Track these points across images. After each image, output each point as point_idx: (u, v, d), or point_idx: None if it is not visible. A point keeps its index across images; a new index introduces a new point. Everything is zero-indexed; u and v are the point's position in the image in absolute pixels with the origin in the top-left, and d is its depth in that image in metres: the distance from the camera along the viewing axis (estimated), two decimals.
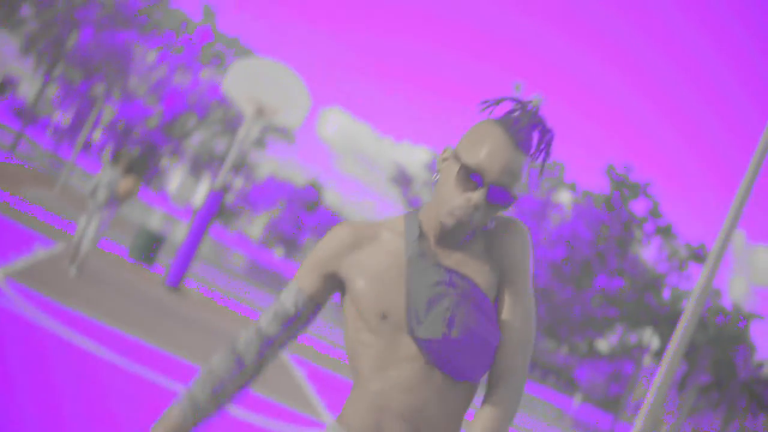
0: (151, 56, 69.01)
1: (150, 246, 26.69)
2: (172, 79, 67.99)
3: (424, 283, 2.82)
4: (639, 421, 33.22)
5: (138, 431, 8.44)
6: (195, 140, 70.45)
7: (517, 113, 2.84)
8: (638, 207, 74.16)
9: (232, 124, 68.06)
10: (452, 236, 2.89)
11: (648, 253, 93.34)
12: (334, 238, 2.95)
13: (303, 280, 2.98)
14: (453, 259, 2.90)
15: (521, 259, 2.94)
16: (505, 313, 2.90)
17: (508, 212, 61.88)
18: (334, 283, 2.99)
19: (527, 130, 2.78)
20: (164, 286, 23.60)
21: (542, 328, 64.69)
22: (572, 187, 66.24)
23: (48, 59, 68.59)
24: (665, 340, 65.34)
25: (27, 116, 65.49)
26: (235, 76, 25.57)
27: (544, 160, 2.80)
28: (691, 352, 66.96)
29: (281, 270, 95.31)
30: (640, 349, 68.69)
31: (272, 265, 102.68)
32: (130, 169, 16.73)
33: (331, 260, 2.95)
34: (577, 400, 61.29)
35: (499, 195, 2.76)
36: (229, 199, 74.63)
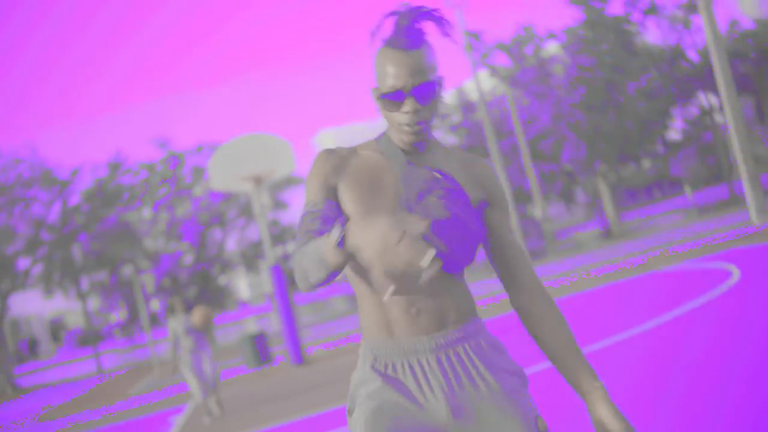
0: (147, 212, 69.79)
1: (258, 346, 27.14)
2: (175, 216, 68.75)
3: (414, 179, 3.11)
4: (741, 168, 32.83)
5: None
6: (232, 246, 71.00)
7: (393, 26, 3.13)
8: (615, 7, 73.74)
9: (249, 209, 68.59)
10: (417, 147, 3.22)
11: (652, 36, 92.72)
12: (320, 160, 3.22)
13: (316, 193, 3.19)
14: (427, 163, 3.24)
15: (503, 192, 3.31)
16: (503, 235, 3.29)
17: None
18: (331, 194, 3.22)
19: (407, 30, 3.09)
20: (292, 366, 24.02)
21: (613, 160, 64.36)
22: (552, 36, 65.91)
23: (71, 283, 69.54)
24: (719, 92, 64.80)
25: (91, 338, 66.31)
26: (216, 171, 26.11)
27: (445, 29, 3.10)
28: (744, 84, 66.51)
29: None
30: (705, 113, 68.27)
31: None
32: (186, 306, 16.80)
33: (327, 178, 3.20)
34: (688, 191, 61.02)
35: (424, 91, 3.09)
36: (291, 265, 75.24)
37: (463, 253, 3.06)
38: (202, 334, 16.56)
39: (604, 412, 3.11)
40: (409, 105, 3.08)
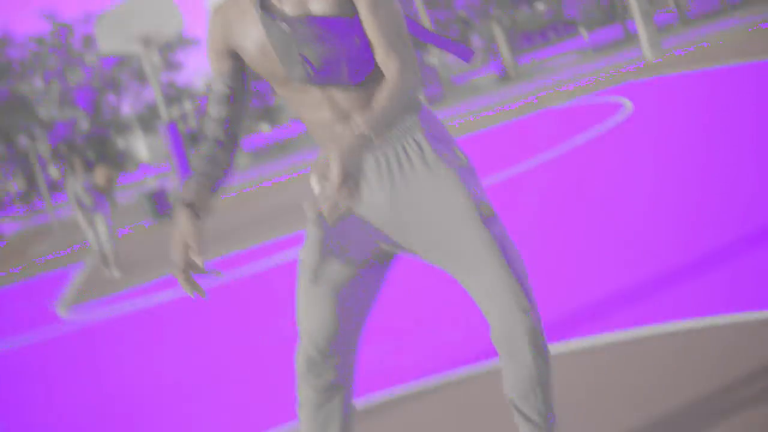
0: (38, 82, 68.56)
1: (156, 202, 27.08)
2: (68, 84, 67.64)
3: (276, 39, 3.02)
4: (636, 5, 32.83)
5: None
6: (127, 110, 70.21)
7: None
8: None
9: (142, 72, 67.63)
10: None
11: None
12: (210, 25, 3.14)
13: (214, 66, 3.15)
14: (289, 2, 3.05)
15: None
16: (367, 20, 3.04)
17: None
18: (232, 56, 3.16)
19: None
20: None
21: (506, 4, 64.29)
22: None
23: None
24: None
25: None
26: (103, 34, 25.67)
27: None
28: None
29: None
30: None
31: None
32: (86, 165, 16.45)
33: (218, 46, 3.13)
34: (583, 33, 61.20)
35: None
36: (190, 123, 74.63)
37: (353, 69, 3.04)
38: (101, 195, 16.28)
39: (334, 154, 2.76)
40: None
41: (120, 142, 69.87)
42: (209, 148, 3.13)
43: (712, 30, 36.59)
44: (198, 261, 2.93)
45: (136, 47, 25.65)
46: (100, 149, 67.95)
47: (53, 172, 70.54)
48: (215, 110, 3.12)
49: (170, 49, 68.33)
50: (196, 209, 2.98)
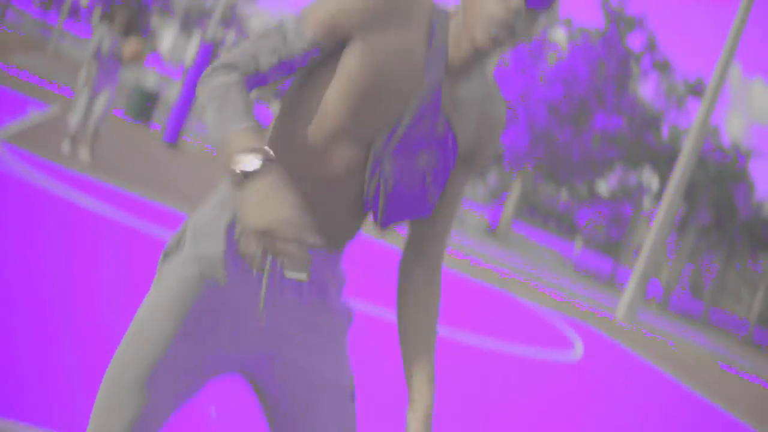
0: None
1: (145, 104, 26.51)
2: None
3: (425, 123, 2.51)
4: (640, 264, 33.24)
5: (138, 283, 8.39)
6: None
7: None
8: (634, 42, 73.61)
9: None
10: (473, 61, 2.50)
11: (646, 90, 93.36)
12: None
13: (319, 26, 2.45)
14: (453, 103, 2.57)
15: (491, 151, 2.70)
16: (454, 194, 2.69)
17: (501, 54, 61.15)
18: (341, 40, 2.48)
19: None
20: (162, 142, 23.49)
21: (542, 172, 64.80)
22: (567, 23, 65.56)
23: None
24: (664, 180, 65.42)
25: None
26: None
27: None
28: (690, 192, 67.17)
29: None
30: (640, 190, 68.86)
31: (266, 117, 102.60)
32: (130, 28, 15.21)
33: (355, 16, 2.44)
34: (578, 244, 61.73)
35: None
36: (222, 53, 74.25)
37: (396, 221, 2.62)
38: (119, 64, 15.15)
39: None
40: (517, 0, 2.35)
41: (154, 20, 69.21)
42: (248, 96, 2.40)
43: (688, 336, 36.83)
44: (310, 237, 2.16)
45: None
46: (134, 12, 67.22)
47: (85, 1, 69.75)
48: (265, 59, 2.44)
49: None
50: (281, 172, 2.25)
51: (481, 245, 39.70)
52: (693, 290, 72.33)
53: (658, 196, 67.33)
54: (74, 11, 69.23)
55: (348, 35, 2.45)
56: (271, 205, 2.13)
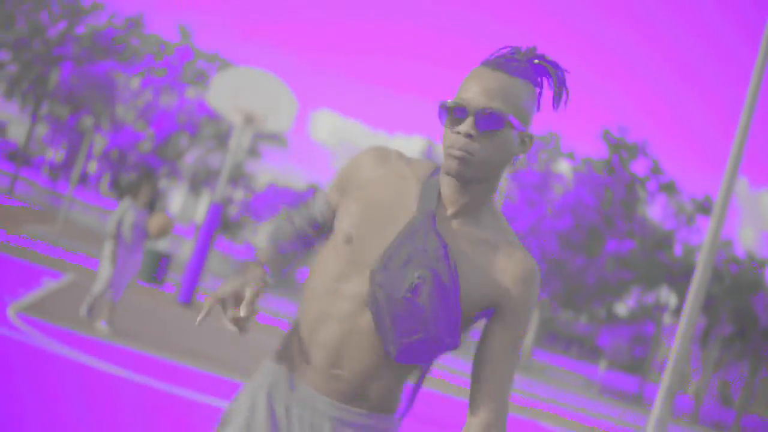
0: (135, 82, 69.02)
1: (158, 265, 26.68)
2: (158, 102, 68.02)
3: (416, 240, 2.69)
4: (665, 379, 33.04)
5: None
6: (190, 158, 70.45)
7: (501, 50, 2.74)
8: (638, 167, 74.10)
9: (224, 137, 68.04)
10: (459, 193, 2.74)
11: (654, 211, 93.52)
12: (368, 155, 2.89)
13: (333, 190, 2.96)
14: (454, 237, 2.76)
15: (525, 310, 2.80)
16: (493, 350, 2.79)
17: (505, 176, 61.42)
18: (346, 190, 2.95)
19: (507, 53, 2.70)
20: (177, 303, 23.60)
21: (559, 299, 64.70)
22: (570, 156, 66.12)
23: (33, 99, 68.73)
24: (682, 296, 65.23)
25: (20, 158, 65.49)
26: (219, 88, 25.67)
27: (558, 85, 2.71)
28: (709, 305, 66.92)
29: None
30: (659, 308, 68.65)
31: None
32: (153, 202, 15.02)
33: (354, 171, 2.89)
34: (602, 366, 61.30)
35: (487, 119, 2.62)
36: (232, 211, 74.76)
37: (411, 347, 2.68)
38: (143, 237, 14.54)
39: None
40: (465, 125, 2.63)
41: (163, 183, 69.95)
42: (300, 225, 3.01)
43: None
44: (244, 311, 2.64)
45: (237, 117, 25.63)
46: (144, 178, 67.90)
47: (92, 166, 70.61)
48: (299, 219, 3.02)
49: (261, 138, 68.85)
50: (269, 271, 2.83)
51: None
52: (722, 400, 71.57)
53: (678, 312, 67.08)
54: (83, 179, 70.10)
55: (355, 193, 2.84)
56: (230, 284, 2.69)
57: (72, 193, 43.01)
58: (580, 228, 63.23)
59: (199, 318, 2.65)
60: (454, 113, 2.66)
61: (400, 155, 2.86)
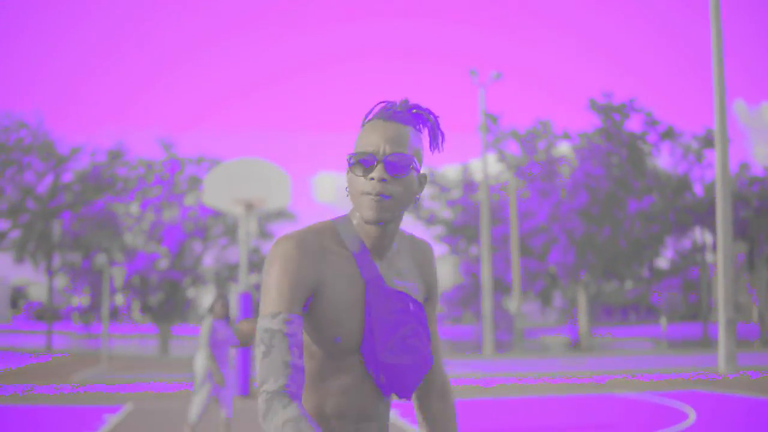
0: (134, 208, 69.66)
1: None
2: (162, 219, 68.58)
3: (385, 310, 2.96)
4: (721, 314, 32.98)
5: None
6: (208, 260, 70.85)
7: (386, 104, 3.02)
8: (634, 124, 74.08)
9: (233, 230, 68.47)
10: (384, 235, 3.01)
11: (663, 161, 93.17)
12: (296, 253, 2.90)
13: (290, 304, 2.87)
14: (394, 274, 3.06)
15: (437, 281, 3.26)
16: (432, 330, 3.27)
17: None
18: (307, 298, 2.93)
19: (390, 106, 2.99)
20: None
21: (598, 273, 64.63)
22: (566, 136, 66.29)
23: (43, 256, 69.58)
24: (715, 231, 65.20)
25: (48, 314, 66.02)
26: (212, 187, 26.15)
27: (432, 127, 3.04)
28: (744, 230, 66.79)
29: None
30: (698, 250, 68.56)
31: None
32: (228, 311, 14.54)
33: (306, 276, 2.90)
34: (663, 323, 61.28)
35: (396, 164, 2.88)
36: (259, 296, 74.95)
37: (414, 386, 3.05)
38: (228, 349, 13.84)
39: None
40: (377, 170, 2.88)
41: (190, 292, 70.39)
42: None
43: None
44: None
45: (238, 208, 26.09)
46: (171, 293, 68.36)
47: (119, 298, 71.13)
48: (289, 355, 2.82)
49: (267, 219, 69.27)
50: None
51: (570, 362, 39.44)
52: None
53: (714, 247, 66.97)
54: (113, 314, 70.67)
55: (309, 291, 2.91)
56: None
57: (107, 330, 43.40)
58: (596, 200, 63.33)
59: None
60: (363, 163, 2.89)
61: (305, 234, 2.97)
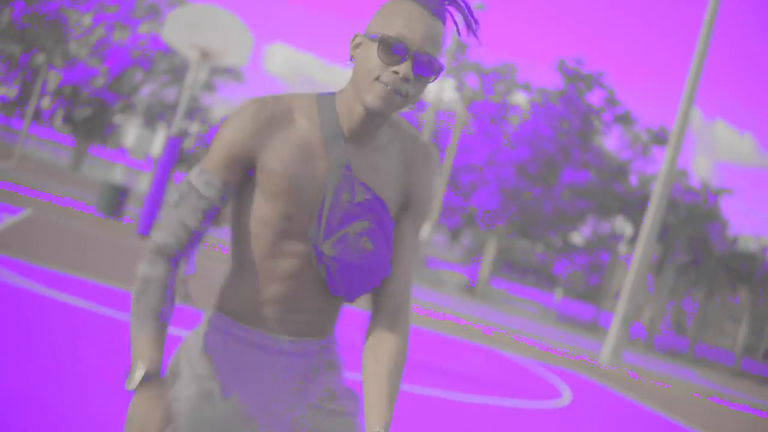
0: (87, 19, 68.31)
1: (116, 199, 26.68)
2: (111, 38, 67.36)
3: (344, 197, 2.73)
4: (620, 307, 33.32)
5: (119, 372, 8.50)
6: (145, 93, 69.91)
7: None
8: (594, 98, 74.18)
9: (178, 71, 67.51)
10: (371, 123, 2.76)
11: (610, 142, 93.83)
12: (248, 118, 2.72)
13: (221, 168, 2.73)
14: (367, 165, 2.80)
15: (430, 193, 2.91)
16: (403, 244, 2.89)
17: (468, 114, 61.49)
18: (246, 167, 2.77)
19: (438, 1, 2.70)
20: (135, 235, 23.65)
21: (515, 229, 65.05)
22: (526, 87, 66.14)
23: None
24: (637, 225, 65.76)
25: None
26: (175, 24, 25.57)
27: (471, 26, 2.72)
28: (664, 234, 67.52)
29: None
30: (614, 237, 69.20)
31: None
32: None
33: (246, 143, 2.71)
34: (557, 294, 62.04)
35: (425, 66, 2.64)
36: (188, 144, 74.38)
37: (361, 291, 2.83)
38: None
39: None
40: (405, 66, 2.61)
41: (117, 118, 69.48)
42: (164, 293, 2.70)
43: (675, 372, 36.86)
44: None
45: (193, 53, 25.58)
46: (98, 111, 67.41)
47: (45, 102, 70.04)
48: (192, 219, 2.74)
49: (216, 73, 68.39)
50: (160, 384, 2.62)
51: (462, 304, 39.81)
52: (676, 328, 72.45)
53: (633, 241, 67.69)
54: (36, 115, 69.53)
55: (249, 161, 2.73)
56: (137, 424, 2.54)
57: (26, 130, 42.73)
58: (536, 159, 63.48)
59: None
60: (392, 49, 2.63)
61: (276, 100, 2.77)
